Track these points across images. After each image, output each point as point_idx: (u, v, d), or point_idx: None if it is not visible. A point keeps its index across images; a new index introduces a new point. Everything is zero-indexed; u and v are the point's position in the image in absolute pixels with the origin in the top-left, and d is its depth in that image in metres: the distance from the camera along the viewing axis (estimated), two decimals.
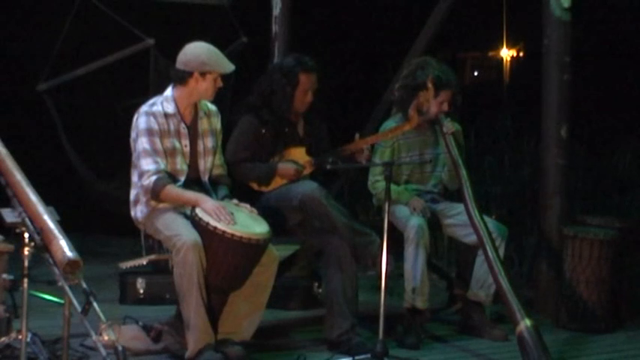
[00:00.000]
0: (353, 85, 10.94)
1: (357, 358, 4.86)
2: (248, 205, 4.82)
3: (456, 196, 5.57)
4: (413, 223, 5.30)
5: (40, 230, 3.67)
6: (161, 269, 5.00)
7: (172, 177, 4.73)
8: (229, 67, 4.79)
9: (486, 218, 5.29)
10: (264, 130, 5.30)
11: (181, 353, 4.67)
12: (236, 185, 5.13)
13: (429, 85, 5.44)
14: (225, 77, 4.81)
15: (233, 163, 5.24)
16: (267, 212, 4.86)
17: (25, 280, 3.76)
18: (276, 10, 6.74)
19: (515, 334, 4.88)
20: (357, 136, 5.38)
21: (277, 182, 5.31)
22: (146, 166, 4.68)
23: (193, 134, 4.85)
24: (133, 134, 4.78)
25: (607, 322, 5.79)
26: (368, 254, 5.08)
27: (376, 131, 5.73)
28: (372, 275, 5.84)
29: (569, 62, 6.07)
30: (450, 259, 7.04)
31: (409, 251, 5.30)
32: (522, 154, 8.54)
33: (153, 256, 4.83)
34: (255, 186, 5.35)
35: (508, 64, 16.01)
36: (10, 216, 3.82)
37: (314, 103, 5.37)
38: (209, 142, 4.90)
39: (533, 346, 4.75)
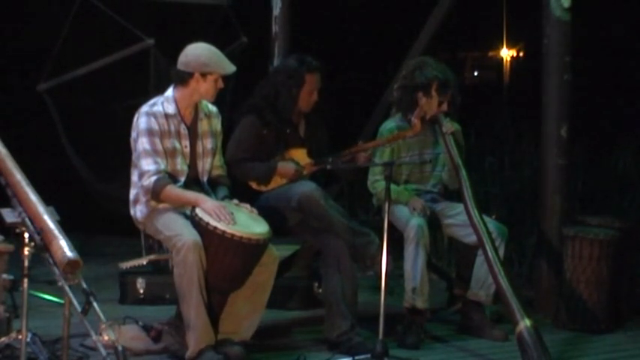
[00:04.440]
0: (353, 85, 10.94)
1: (357, 358, 4.86)
2: (248, 205, 4.82)
3: (456, 196, 5.57)
4: (413, 223, 5.30)
5: (40, 230, 3.67)
6: (161, 269, 5.01)
7: (172, 177, 4.74)
8: (230, 68, 4.79)
9: (486, 218, 5.28)
10: (265, 131, 5.30)
11: (181, 353, 4.67)
12: (236, 185, 5.13)
13: (433, 92, 5.44)
14: (225, 78, 4.81)
15: (233, 162, 5.24)
16: (266, 212, 4.86)
17: (25, 280, 3.76)
18: (276, 10, 6.74)
19: (515, 334, 4.88)
20: (360, 143, 5.40)
21: (277, 182, 5.31)
22: (146, 167, 4.68)
23: (193, 135, 4.85)
24: (133, 134, 4.78)
25: (607, 322, 5.79)
26: (366, 255, 5.08)
27: (376, 131, 5.73)
28: (371, 275, 5.84)
29: (569, 62, 6.07)
30: (450, 259, 7.04)
31: (409, 251, 5.30)
32: (522, 154, 8.54)
33: (153, 256, 4.83)
34: (254, 185, 5.35)
35: (508, 64, 16.04)
36: (10, 216, 3.81)
37: (317, 104, 5.38)
38: (208, 144, 4.90)
39: (533, 346, 4.75)
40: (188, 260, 4.47)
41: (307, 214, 5.10)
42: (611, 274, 5.80)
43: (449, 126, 5.44)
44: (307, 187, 5.11)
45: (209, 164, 4.92)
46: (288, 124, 5.36)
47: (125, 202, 4.89)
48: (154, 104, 4.78)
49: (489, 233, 5.15)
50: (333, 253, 5.10)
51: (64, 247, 3.61)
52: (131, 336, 4.87)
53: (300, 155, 5.39)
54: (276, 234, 4.72)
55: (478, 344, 5.37)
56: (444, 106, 5.49)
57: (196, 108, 4.88)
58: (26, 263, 3.73)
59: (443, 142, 5.47)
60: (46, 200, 3.81)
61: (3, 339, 4.19)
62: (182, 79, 4.75)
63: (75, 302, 3.59)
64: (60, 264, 3.59)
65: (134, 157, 4.78)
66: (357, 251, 5.08)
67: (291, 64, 5.35)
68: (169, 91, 4.83)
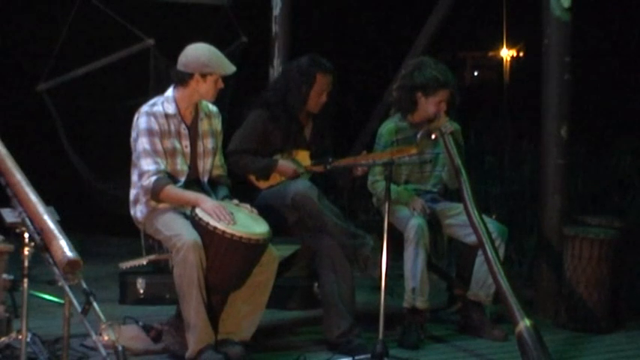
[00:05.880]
0: (353, 85, 10.94)
1: (357, 358, 4.85)
2: (248, 206, 4.82)
3: (456, 196, 5.56)
4: (413, 223, 5.30)
5: (40, 230, 3.66)
6: (161, 269, 5.01)
7: (173, 177, 4.74)
8: (230, 68, 4.78)
9: (486, 218, 5.28)
10: (272, 126, 5.31)
11: (181, 353, 4.67)
12: (235, 183, 5.13)
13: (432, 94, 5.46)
14: (225, 78, 4.81)
15: (235, 152, 5.26)
16: (264, 211, 4.86)
17: (25, 280, 3.76)
18: (276, 10, 6.75)
19: (515, 334, 4.87)
20: (364, 152, 5.40)
21: (275, 178, 5.32)
22: (146, 167, 4.68)
23: (193, 135, 4.85)
24: (133, 134, 4.78)
25: (607, 322, 5.79)
26: (360, 256, 5.08)
27: (375, 131, 5.73)
28: (372, 276, 5.84)
29: (569, 62, 6.07)
30: (450, 259, 7.04)
31: (409, 251, 5.30)
32: (522, 154, 8.54)
33: (153, 256, 4.83)
34: (253, 179, 5.36)
35: (508, 64, 16.01)
36: (10, 216, 3.81)
37: (326, 106, 5.38)
38: (209, 143, 4.90)
39: (533, 346, 4.75)
40: (188, 260, 4.47)
41: (301, 213, 5.10)
42: (611, 274, 5.80)
43: (448, 126, 5.43)
44: (302, 186, 5.12)
45: (209, 164, 4.92)
46: (296, 123, 5.37)
47: (125, 202, 4.89)
48: (154, 104, 4.78)
49: (489, 233, 5.14)
50: (328, 254, 5.10)
51: (64, 247, 3.61)
52: (131, 336, 4.87)
53: (303, 156, 5.39)
54: (275, 233, 4.72)
55: (478, 344, 5.37)
56: (443, 106, 5.47)
57: (196, 108, 4.87)
58: (26, 263, 3.73)
59: (442, 142, 5.46)
60: (46, 200, 3.81)
61: (3, 339, 4.18)
62: (182, 79, 4.75)
63: (75, 302, 3.59)
64: (60, 264, 3.58)
65: (134, 157, 4.78)
66: (350, 252, 5.08)
67: (305, 63, 5.36)
68: (169, 92, 4.83)
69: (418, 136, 5.41)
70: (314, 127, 5.48)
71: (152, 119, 4.72)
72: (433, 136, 5.40)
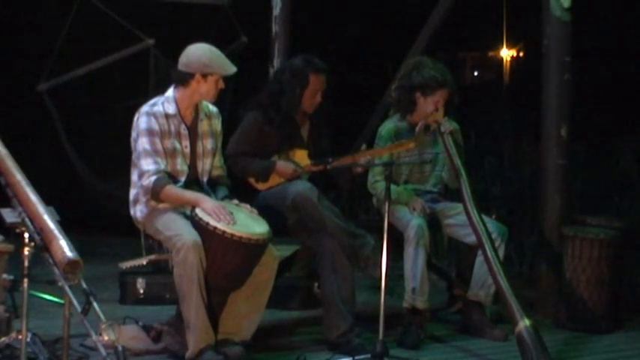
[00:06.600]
0: (352, 85, 10.94)
1: (357, 358, 4.85)
2: (248, 206, 4.82)
3: (456, 195, 5.56)
4: (413, 224, 5.30)
5: (40, 230, 3.66)
6: (161, 269, 5.00)
7: (172, 177, 4.74)
8: (231, 68, 4.78)
9: (486, 218, 5.28)
10: (267, 128, 5.31)
11: (181, 353, 4.67)
12: (235, 184, 5.13)
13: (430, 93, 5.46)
14: (226, 78, 4.81)
15: (233, 154, 5.26)
16: (264, 211, 4.86)
17: (25, 280, 3.76)
18: (276, 10, 6.75)
19: (514, 334, 4.87)
20: (363, 146, 5.39)
21: (275, 180, 5.32)
22: (146, 167, 4.68)
23: (193, 135, 4.85)
24: (133, 134, 4.78)
25: (607, 322, 5.79)
26: (360, 256, 5.08)
27: (375, 131, 5.73)
28: (372, 276, 5.84)
29: (569, 62, 6.07)
30: (450, 259, 7.04)
31: (409, 251, 5.29)
32: (522, 154, 8.54)
33: (153, 256, 4.83)
34: (252, 181, 5.36)
35: (508, 64, 16.02)
36: (10, 216, 3.81)
37: (322, 105, 5.38)
38: (209, 144, 4.90)
39: (533, 346, 4.75)
40: (188, 260, 4.47)
41: (301, 214, 5.10)
42: (611, 274, 5.80)
43: (447, 125, 5.42)
44: (302, 187, 5.12)
45: (209, 164, 4.92)
46: (292, 123, 5.36)
47: (125, 202, 4.89)
48: (155, 104, 4.78)
49: (489, 234, 5.14)
50: (328, 254, 5.10)
51: (64, 247, 3.61)
52: (131, 336, 4.87)
53: (301, 156, 5.39)
54: (275, 233, 4.72)
55: (478, 344, 5.37)
56: (441, 105, 5.47)
57: (197, 108, 4.88)
58: (26, 263, 3.73)
59: (442, 142, 5.46)
60: (46, 200, 3.81)
61: (3, 339, 4.18)
62: (183, 79, 4.75)
63: (75, 302, 3.59)
64: (60, 264, 3.58)
65: (134, 156, 4.79)
66: (350, 252, 5.08)
67: (297, 64, 5.35)
68: (170, 92, 4.83)
69: (416, 129, 5.42)
70: (311, 127, 5.47)
71: (152, 119, 4.72)
72: (431, 128, 5.41)
